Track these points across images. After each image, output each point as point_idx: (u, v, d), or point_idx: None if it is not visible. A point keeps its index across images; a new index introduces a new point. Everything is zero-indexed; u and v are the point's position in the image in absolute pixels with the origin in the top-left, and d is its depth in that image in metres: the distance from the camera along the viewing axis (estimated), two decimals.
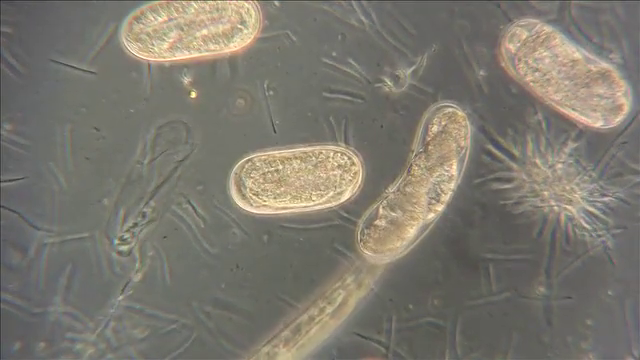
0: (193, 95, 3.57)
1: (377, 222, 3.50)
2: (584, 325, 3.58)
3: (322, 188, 3.49)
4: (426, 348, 3.55)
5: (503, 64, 3.56)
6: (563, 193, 3.54)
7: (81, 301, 3.49)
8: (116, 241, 3.50)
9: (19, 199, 3.49)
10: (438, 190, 3.50)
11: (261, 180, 3.49)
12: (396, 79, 3.54)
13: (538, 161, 3.55)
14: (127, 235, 3.49)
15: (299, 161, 3.51)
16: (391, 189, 3.53)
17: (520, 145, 3.56)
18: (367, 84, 3.57)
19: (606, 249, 3.54)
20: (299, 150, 3.54)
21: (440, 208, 3.51)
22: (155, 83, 3.55)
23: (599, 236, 3.53)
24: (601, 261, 3.56)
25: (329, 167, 3.51)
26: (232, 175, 3.52)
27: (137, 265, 3.50)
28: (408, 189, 3.50)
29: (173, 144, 3.53)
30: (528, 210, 3.54)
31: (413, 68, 3.54)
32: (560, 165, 3.54)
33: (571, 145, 3.54)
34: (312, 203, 3.51)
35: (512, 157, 3.56)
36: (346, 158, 3.52)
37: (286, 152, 3.54)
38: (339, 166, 3.51)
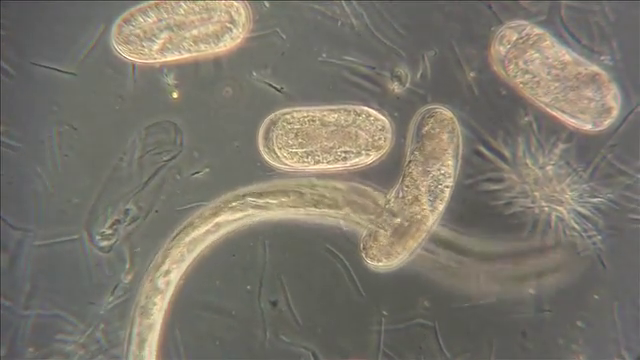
0: (175, 95, 3.57)
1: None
2: (574, 327, 3.59)
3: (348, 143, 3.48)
4: (415, 349, 3.57)
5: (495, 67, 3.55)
6: (554, 194, 3.53)
7: (71, 303, 3.51)
8: (97, 236, 3.50)
9: (2, 200, 3.50)
10: (435, 189, 3.49)
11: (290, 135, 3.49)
12: (399, 78, 3.53)
13: (529, 162, 3.54)
14: (108, 231, 3.49)
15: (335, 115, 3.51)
16: (390, 196, 3.52)
17: (511, 146, 3.55)
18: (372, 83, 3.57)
19: (598, 251, 3.54)
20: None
21: (441, 207, 3.51)
22: (148, 83, 3.55)
23: (589, 237, 3.53)
24: (591, 263, 3.56)
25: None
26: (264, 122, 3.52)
27: (127, 266, 3.52)
28: (407, 194, 3.49)
29: (160, 144, 3.54)
30: (519, 211, 3.54)
31: (420, 73, 3.53)
32: (551, 166, 3.54)
33: (561, 146, 3.53)
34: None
35: (503, 158, 3.55)
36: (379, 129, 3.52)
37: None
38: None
